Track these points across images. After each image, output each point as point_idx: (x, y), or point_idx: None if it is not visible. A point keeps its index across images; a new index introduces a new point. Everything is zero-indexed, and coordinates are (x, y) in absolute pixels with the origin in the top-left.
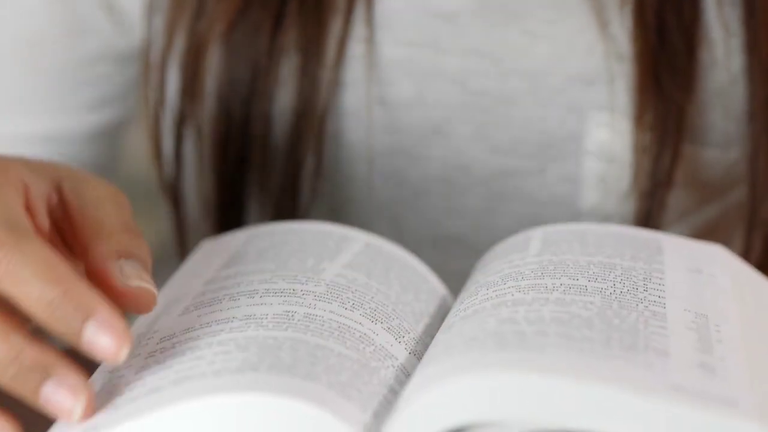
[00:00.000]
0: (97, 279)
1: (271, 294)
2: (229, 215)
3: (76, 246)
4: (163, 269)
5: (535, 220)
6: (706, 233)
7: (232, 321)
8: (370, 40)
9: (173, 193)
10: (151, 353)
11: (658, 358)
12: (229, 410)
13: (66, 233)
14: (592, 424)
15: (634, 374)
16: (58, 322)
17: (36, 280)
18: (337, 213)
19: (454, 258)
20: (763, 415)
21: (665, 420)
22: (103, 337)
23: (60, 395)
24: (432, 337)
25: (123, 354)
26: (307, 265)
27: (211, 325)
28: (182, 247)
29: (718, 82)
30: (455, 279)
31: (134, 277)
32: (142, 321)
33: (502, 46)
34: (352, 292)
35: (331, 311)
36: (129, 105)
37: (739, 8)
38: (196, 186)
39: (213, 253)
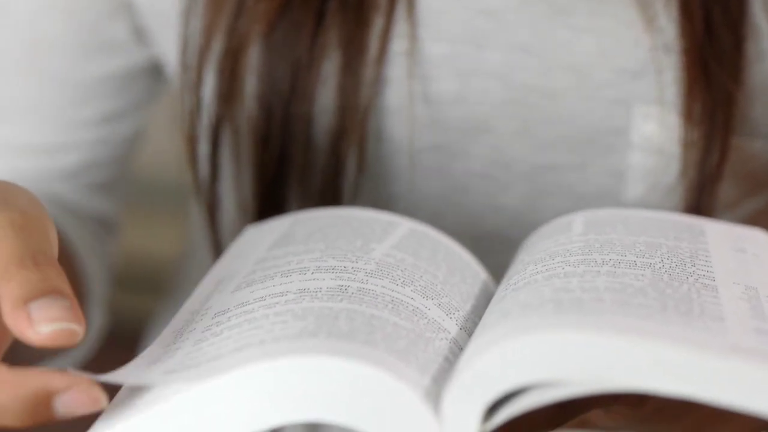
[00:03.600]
0: (18, 336)
1: (323, 271)
2: (268, 216)
3: None
4: (191, 271)
5: None
6: (751, 224)
7: (286, 295)
8: (413, 36)
9: (209, 196)
10: (207, 327)
11: (714, 322)
12: (290, 374)
13: None
14: (652, 383)
15: (693, 336)
16: None
17: None
18: (378, 209)
19: (494, 253)
20: None
21: (726, 379)
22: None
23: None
24: (479, 317)
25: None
26: (356, 245)
27: (265, 299)
28: (217, 250)
29: (764, 74)
30: (496, 274)
31: (44, 321)
32: (195, 297)
33: (546, 40)
34: (402, 271)
35: (383, 286)
36: (140, 118)
37: None
38: (233, 188)
39: (259, 236)
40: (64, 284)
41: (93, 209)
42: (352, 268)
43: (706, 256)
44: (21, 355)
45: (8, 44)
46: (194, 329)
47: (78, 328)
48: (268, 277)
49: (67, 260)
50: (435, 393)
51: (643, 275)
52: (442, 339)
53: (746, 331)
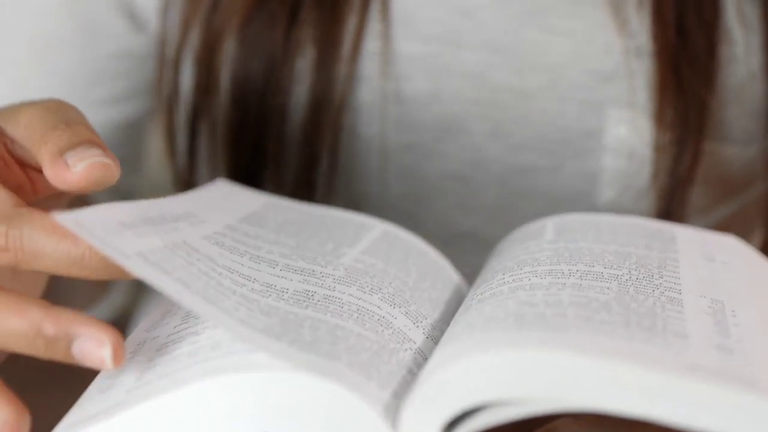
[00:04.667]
0: (63, 186)
1: (291, 271)
2: None
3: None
4: None
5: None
6: (723, 229)
7: (253, 282)
8: (386, 35)
9: (187, 187)
10: (175, 245)
11: (677, 339)
12: (252, 386)
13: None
14: (611, 403)
15: (654, 353)
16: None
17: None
18: (352, 208)
19: (468, 254)
20: None
21: (685, 398)
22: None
23: (89, 351)
24: (447, 323)
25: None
26: (327, 249)
27: (232, 273)
28: None
29: (737, 78)
30: (470, 275)
31: (79, 160)
32: (158, 203)
33: (519, 41)
34: (371, 277)
35: (350, 294)
36: (149, 100)
37: (757, 5)
38: (210, 180)
39: (231, 198)
40: (95, 137)
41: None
42: (321, 273)
43: (675, 266)
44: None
45: (13, 41)
46: (152, 233)
47: (112, 163)
48: (237, 251)
49: None
50: (395, 407)
51: (608, 288)
52: (406, 350)
53: (708, 349)
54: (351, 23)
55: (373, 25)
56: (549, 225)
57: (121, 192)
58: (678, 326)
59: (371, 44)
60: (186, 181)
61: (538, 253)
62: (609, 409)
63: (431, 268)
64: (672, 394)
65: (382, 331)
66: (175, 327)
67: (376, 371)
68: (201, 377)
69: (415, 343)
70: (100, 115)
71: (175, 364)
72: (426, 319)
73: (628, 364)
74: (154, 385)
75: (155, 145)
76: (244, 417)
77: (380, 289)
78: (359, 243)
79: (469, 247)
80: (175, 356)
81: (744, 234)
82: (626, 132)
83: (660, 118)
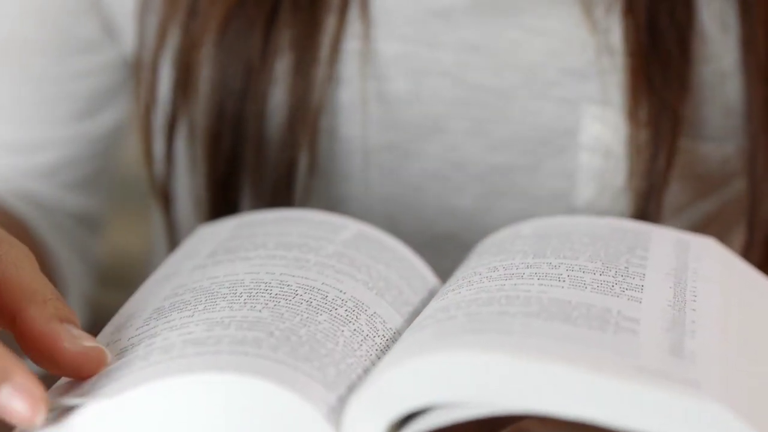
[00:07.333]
0: (40, 343)
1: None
2: (222, 214)
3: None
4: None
5: (530, 217)
6: (702, 228)
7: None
8: (366, 36)
9: (164, 192)
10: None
11: (628, 340)
12: (191, 389)
13: None
14: (556, 406)
15: (600, 355)
16: None
17: None
18: (332, 210)
19: (448, 255)
20: (724, 397)
21: (627, 401)
22: (17, 402)
23: (17, 401)
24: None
25: (38, 419)
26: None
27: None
28: (173, 245)
29: (712, 76)
30: (449, 276)
31: (84, 339)
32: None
33: (496, 40)
34: (349, 266)
35: (323, 283)
36: (122, 110)
37: (734, 4)
38: (189, 186)
39: (209, 236)
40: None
41: (72, 207)
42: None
43: (642, 266)
44: None
45: None
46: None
47: (108, 356)
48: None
49: (38, 257)
50: (340, 409)
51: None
52: (369, 348)
53: (659, 349)
54: (329, 25)
55: (353, 26)
56: (524, 232)
57: (79, 214)
58: (631, 326)
59: (350, 44)
60: (163, 189)
61: (502, 260)
62: (554, 412)
63: (407, 269)
64: (615, 396)
65: (343, 328)
66: (137, 329)
67: (322, 373)
68: (146, 381)
69: (383, 339)
70: (75, 130)
71: (128, 367)
72: (393, 319)
73: (567, 366)
74: (105, 389)
75: (132, 154)
76: (187, 419)
77: (355, 276)
78: (329, 246)
79: (448, 248)
80: (129, 360)
81: (724, 233)
82: (601, 130)
83: (633, 116)
